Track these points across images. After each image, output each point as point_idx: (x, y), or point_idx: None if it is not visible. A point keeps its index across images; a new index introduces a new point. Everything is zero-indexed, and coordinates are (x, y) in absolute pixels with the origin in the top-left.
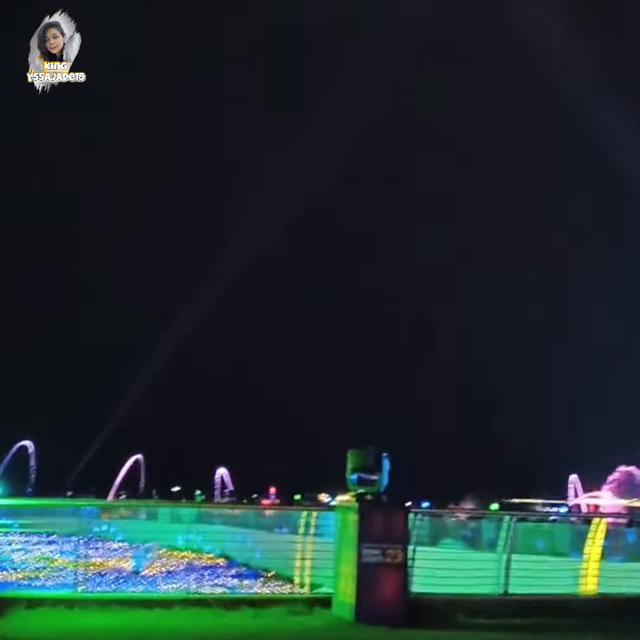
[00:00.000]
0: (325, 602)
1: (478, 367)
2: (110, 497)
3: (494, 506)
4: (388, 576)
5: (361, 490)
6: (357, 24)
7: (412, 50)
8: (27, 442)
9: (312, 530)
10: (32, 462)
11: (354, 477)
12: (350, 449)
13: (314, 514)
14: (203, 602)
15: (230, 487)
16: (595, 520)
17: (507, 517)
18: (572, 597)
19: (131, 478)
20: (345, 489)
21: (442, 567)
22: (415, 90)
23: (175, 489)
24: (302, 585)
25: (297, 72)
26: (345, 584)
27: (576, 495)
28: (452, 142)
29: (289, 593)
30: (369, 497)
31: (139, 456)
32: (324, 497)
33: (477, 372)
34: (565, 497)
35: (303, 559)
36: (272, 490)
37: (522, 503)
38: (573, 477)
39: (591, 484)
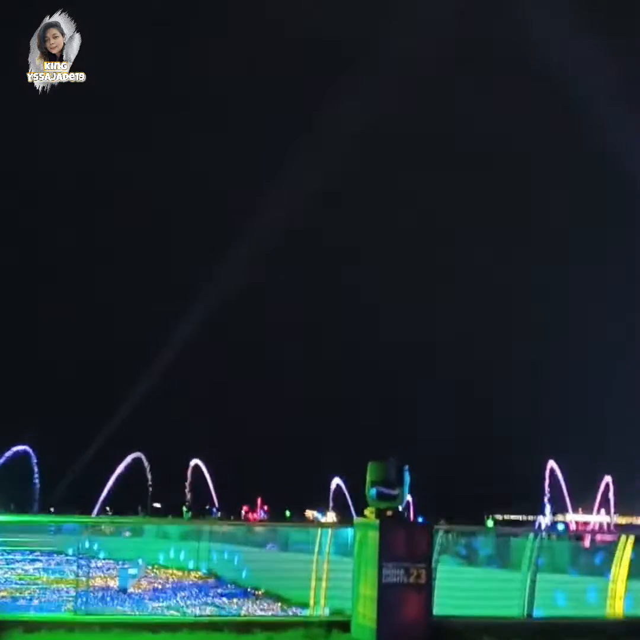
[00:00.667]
0: (344, 625)
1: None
2: (95, 513)
3: (489, 523)
4: (411, 598)
5: (381, 506)
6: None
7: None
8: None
9: (328, 549)
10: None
11: (374, 491)
12: (370, 461)
13: (330, 530)
14: (213, 626)
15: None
16: (622, 537)
17: (531, 535)
18: (600, 620)
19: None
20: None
21: (453, 586)
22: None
23: (157, 505)
24: (317, 608)
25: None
26: (364, 606)
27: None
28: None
29: (305, 616)
30: (390, 512)
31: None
32: (310, 514)
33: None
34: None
35: (319, 579)
36: (262, 505)
37: (516, 521)
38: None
39: (581, 500)
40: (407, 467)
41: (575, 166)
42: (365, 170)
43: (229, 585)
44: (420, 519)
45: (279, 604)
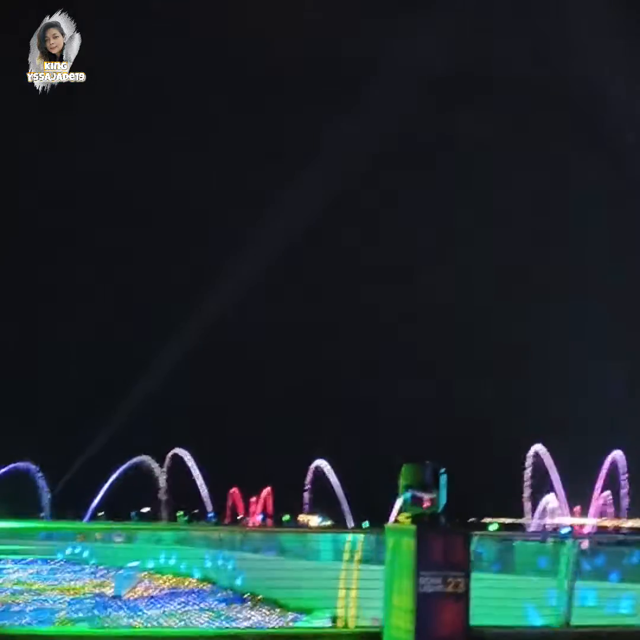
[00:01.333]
0: (374, 637)
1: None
2: (87, 518)
3: (494, 527)
4: (449, 608)
5: (417, 511)
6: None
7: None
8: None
9: (358, 556)
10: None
11: (408, 495)
12: (405, 463)
13: (361, 536)
14: (236, 638)
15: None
16: None
17: (569, 540)
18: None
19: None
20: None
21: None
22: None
23: (145, 509)
24: (346, 618)
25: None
26: (398, 617)
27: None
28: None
29: (332, 627)
30: (426, 518)
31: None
32: (307, 519)
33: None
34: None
35: (348, 588)
36: (257, 510)
37: (516, 524)
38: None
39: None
40: (444, 469)
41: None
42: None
43: (225, 591)
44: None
45: (278, 610)
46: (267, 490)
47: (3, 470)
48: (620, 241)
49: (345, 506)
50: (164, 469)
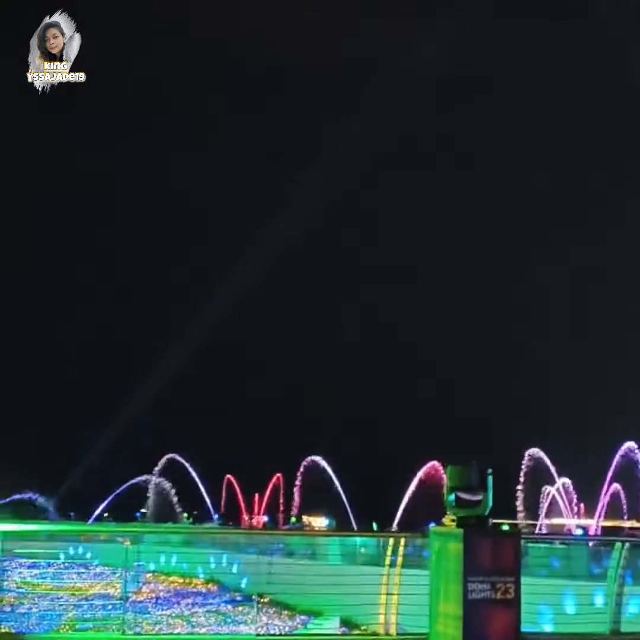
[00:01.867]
0: None
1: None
2: (92, 520)
3: (504, 528)
4: (499, 615)
5: (463, 514)
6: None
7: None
8: None
9: (399, 560)
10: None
11: (453, 497)
12: (450, 465)
13: (402, 540)
14: None
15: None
16: None
17: (618, 544)
18: None
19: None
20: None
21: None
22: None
23: (143, 511)
24: (387, 625)
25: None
26: (446, 625)
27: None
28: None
29: (373, 634)
30: (473, 520)
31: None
32: (311, 520)
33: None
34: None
35: (389, 594)
36: (262, 510)
37: (531, 524)
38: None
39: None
40: (490, 471)
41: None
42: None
43: (232, 593)
44: (432, 524)
45: (286, 612)
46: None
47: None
48: (620, 240)
49: (345, 507)
50: (155, 474)
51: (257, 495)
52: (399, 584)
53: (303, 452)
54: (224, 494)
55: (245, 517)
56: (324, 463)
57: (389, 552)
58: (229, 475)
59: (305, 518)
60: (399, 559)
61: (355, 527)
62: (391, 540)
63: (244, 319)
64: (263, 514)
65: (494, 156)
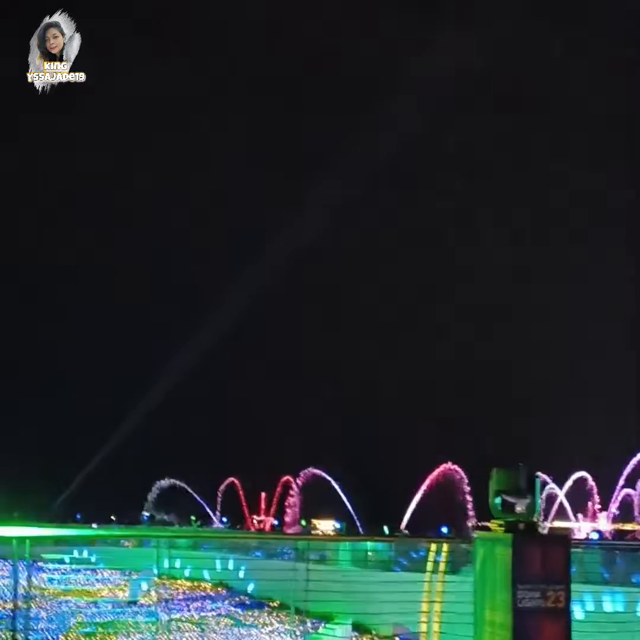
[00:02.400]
0: None
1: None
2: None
3: None
4: (549, 624)
5: (510, 518)
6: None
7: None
8: None
9: (442, 568)
10: None
11: (499, 500)
12: (496, 468)
13: (445, 546)
14: None
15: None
16: None
17: None
18: None
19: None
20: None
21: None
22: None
23: (146, 513)
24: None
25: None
26: (493, 634)
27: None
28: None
29: None
30: (521, 525)
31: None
32: (317, 523)
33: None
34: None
35: (431, 601)
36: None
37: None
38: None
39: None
40: (538, 473)
41: None
42: None
43: (241, 597)
44: (444, 529)
45: (297, 617)
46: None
47: None
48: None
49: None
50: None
51: (263, 494)
52: (441, 591)
53: (305, 454)
54: (220, 497)
55: (254, 519)
56: (325, 475)
57: (431, 558)
58: (233, 478)
59: (313, 521)
60: (442, 566)
61: (360, 531)
62: (433, 546)
63: (246, 323)
64: (271, 516)
65: (499, 157)
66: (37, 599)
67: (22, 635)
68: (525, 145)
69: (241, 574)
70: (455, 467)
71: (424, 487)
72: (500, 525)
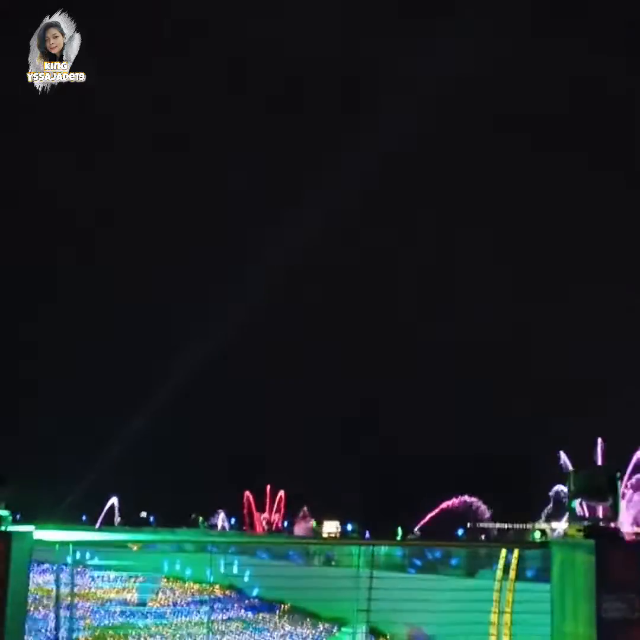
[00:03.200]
0: None
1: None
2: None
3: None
4: (636, 636)
5: (590, 521)
6: None
7: None
8: None
9: (512, 574)
10: None
11: (576, 503)
12: (574, 469)
13: (516, 552)
14: None
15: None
16: None
17: None
18: None
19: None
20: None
21: None
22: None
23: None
24: None
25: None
26: None
27: None
28: None
29: None
30: (603, 529)
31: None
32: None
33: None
34: None
35: (501, 612)
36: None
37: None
38: None
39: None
40: (619, 474)
41: None
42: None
43: (251, 599)
44: (460, 532)
45: (309, 620)
46: (280, 494)
47: None
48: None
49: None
50: None
51: (269, 486)
52: (512, 601)
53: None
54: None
55: (263, 518)
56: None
57: (500, 565)
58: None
59: (325, 524)
60: (512, 573)
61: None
62: (503, 551)
63: (247, 332)
64: (277, 513)
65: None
66: (78, 602)
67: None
68: None
69: (251, 576)
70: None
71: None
72: (579, 530)
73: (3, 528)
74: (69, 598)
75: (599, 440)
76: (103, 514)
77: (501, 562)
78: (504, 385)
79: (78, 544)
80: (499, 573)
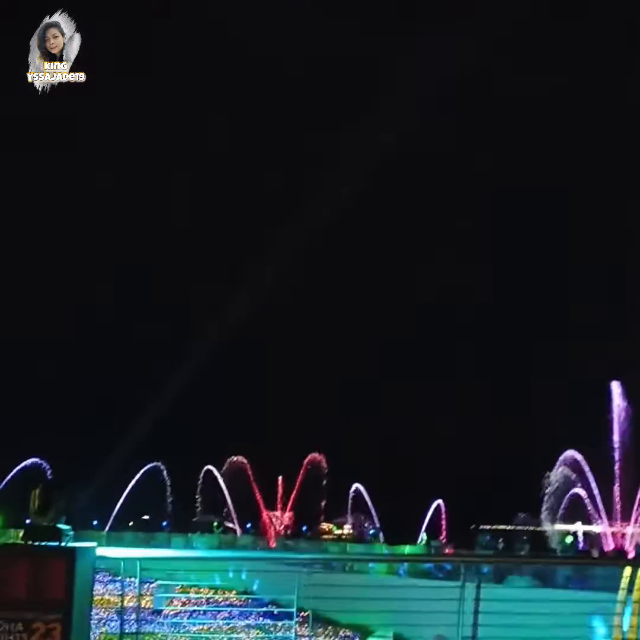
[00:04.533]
0: None
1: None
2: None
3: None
4: None
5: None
6: None
7: None
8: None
9: (637, 595)
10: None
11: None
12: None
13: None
14: None
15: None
16: None
17: None
18: None
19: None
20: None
21: None
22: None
23: (145, 517)
24: None
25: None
26: None
27: None
28: None
29: None
30: None
31: None
32: (329, 527)
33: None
34: None
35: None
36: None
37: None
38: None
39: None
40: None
41: None
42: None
43: (269, 605)
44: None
45: (330, 628)
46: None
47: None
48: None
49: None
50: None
51: (280, 478)
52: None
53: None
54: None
55: (274, 518)
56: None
57: (624, 584)
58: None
59: (325, 525)
60: (637, 594)
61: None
62: (627, 570)
63: (261, 320)
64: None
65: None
66: (147, 618)
67: None
68: None
69: (268, 583)
70: None
71: None
72: None
73: (65, 543)
74: (135, 614)
75: None
76: (111, 518)
77: (624, 581)
78: None
79: (148, 562)
80: (622, 593)
